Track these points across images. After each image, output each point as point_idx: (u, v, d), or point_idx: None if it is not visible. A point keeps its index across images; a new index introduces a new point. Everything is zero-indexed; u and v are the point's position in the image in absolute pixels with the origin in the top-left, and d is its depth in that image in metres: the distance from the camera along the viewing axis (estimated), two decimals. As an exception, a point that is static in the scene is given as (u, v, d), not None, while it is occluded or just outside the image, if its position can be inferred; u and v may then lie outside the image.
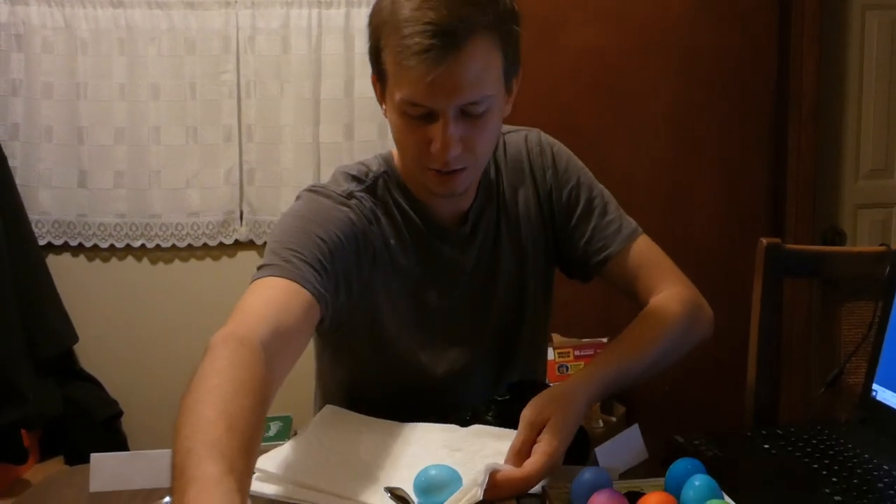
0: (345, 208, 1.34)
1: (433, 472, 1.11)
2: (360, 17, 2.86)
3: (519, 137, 1.52)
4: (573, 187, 1.49)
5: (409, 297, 1.41)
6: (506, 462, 1.15)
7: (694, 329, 1.45)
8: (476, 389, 1.44)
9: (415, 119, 1.25)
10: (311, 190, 1.38)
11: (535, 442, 1.16)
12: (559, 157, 1.51)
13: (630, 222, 1.52)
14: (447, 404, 1.40)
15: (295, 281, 1.20)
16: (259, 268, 1.25)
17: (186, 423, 0.91)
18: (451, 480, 1.10)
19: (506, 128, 1.50)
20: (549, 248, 1.52)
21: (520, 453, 1.15)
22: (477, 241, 1.45)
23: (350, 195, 1.36)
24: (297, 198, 1.38)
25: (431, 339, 1.43)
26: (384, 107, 1.32)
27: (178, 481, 0.85)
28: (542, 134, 1.53)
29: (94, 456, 1.21)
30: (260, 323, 1.12)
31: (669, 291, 1.46)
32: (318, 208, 1.33)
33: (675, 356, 1.39)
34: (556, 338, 2.57)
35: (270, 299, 1.17)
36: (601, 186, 1.53)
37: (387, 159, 1.43)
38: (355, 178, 1.40)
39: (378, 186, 1.40)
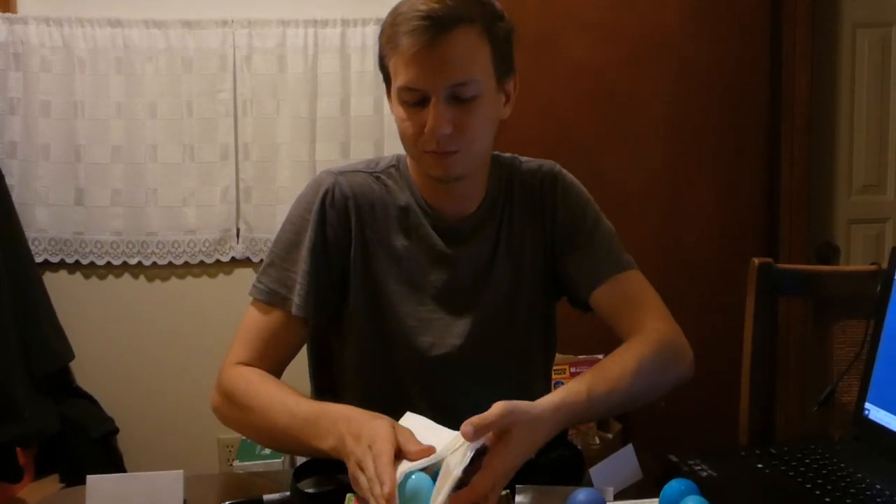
0: (335, 195, 1.47)
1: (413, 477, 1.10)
2: (356, 37, 2.88)
3: (534, 165, 1.58)
4: (577, 217, 1.54)
5: (402, 277, 1.48)
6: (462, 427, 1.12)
7: (671, 369, 1.44)
8: (462, 384, 1.47)
9: (412, 106, 1.37)
10: (315, 181, 1.51)
11: (490, 428, 1.12)
12: (569, 187, 1.57)
13: (625, 257, 1.54)
14: (436, 391, 1.46)
15: (281, 308, 1.43)
16: (260, 275, 1.47)
17: (273, 409, 1.32)
18: (426, 489, 1.10)
19: (525, 158, 1.60)
20: (549, 277, 1.56)
21: (473, 424, 1.11)
22: (473, 244, 1.51)
23: (347, 173, 1.50)
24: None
25: (419, 322, 1.48)
26: (394, 113, 1.43)
27: (314, 425, 1.25)
28: (558, 165, 1.60)
29: (90, 478, 1.21)
30: (252, 356, 1.43)
31: (651, 328, 1.45)
32: (308, 206, 1.47)
33: (650, 394, 1.38)
34: (551, 354, 2.57)
35: (262, 333, 1.44)
36: (606, 222, 1.58)
37: (399, 157, 1.55)
38: (367, 164, 1.55)
39: (383, 173, 1.52)
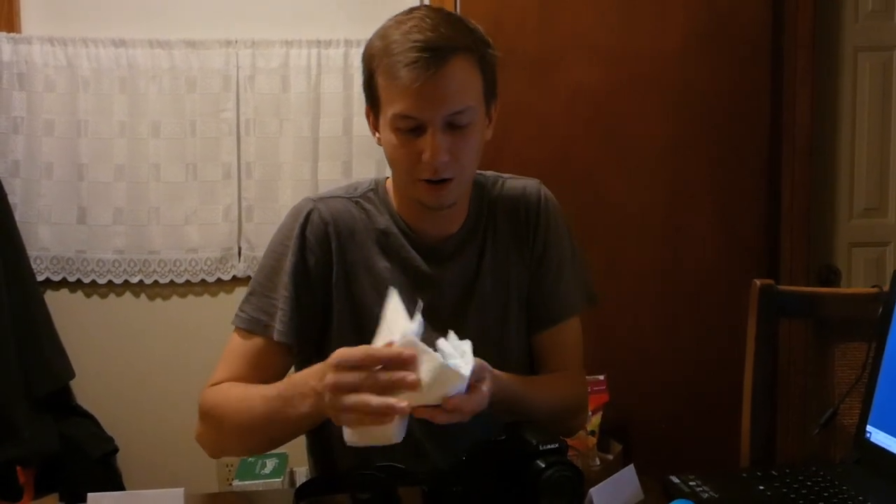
0: (314, 220, 1.48)
1: None
2: (359, 57, 2.85)
3: (519, 185, 1.59)
4: (554, 249, 1.56)
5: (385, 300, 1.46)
6: None
7: (569, 419, 1.56)
8: None
9: (406, 134, 1.37)
10: (294, 209, 1.53)
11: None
12: (553, 216, 1.58)
13: (582, 295, 1.59)
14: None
15: (262, 335, 1.44)
16: (242, 304, 1.48)
17: (241, 406, 1.36)
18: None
19: (507, 175, 1.60)
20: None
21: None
22: (456, 264, 1.51)
23: (325, 199, 1.52)
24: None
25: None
26: (377, 135, 1.44)
27: (281, 402, 1.28)
28: (543, 187, 1.60)
29: (91, 496, 1.21)
30: (232, 379, 1.43)
31: (577, 376, 1.59)
32: (288, 233, 1.49)
33: (554, 419, 1.44)
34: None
35: (244, 358, 1.44)
36: (578, 254, 1.60)
37: (377, 180, 1.56)
38: (346, 189, 1.56)
39: (362, 198, 1.53)
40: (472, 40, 1.38)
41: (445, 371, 1.14)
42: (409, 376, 1.13)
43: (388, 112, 1.37)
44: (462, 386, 1.16)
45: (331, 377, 1.16)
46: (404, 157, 1.38)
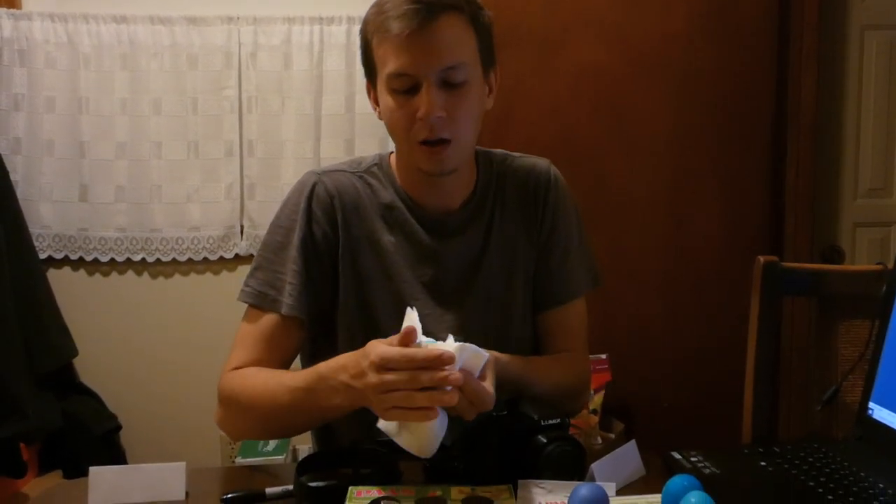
0: (320, 193, 1.48)
1: None
2: (362, 34, 2.88)
3: (528, 162, 1.58)
4: (562, 231, 1.56)
5: (389, 273, 1.48)
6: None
7: (573, 400, 1.56)
8: None
9: (402, 94, 1.37)
10: (299, 183, 1.52)
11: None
12: (562, 198, 1.57)
13: (586, 278, 1.58)
14: None
15: (272, 311, 1.43)
16: (248, 279, 1.47)
17: (266, 389, 1.35)
18: None
19: (516, 153, 1.59)
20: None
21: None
22: (461, 239, 1.50)
23: (330, 172, 1.51)
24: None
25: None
26: (377, 109, 1.44)
27: (309, 387, 1.28)
28: (553, 166, 1.59)
29: (92, 469, 1.21)
30: (248, 361, 1.42)
31: (581, 357, 1.58)
32: (294, 207, 1.48)
33: (555, 400, 1.43)
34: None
35: (257, 338, 1.43)
36: (584, 234, 1.60)
37: (381, 155, 1.55)
38: (349, 164, 1.55)
39: (366, 172, 1.52)
40: (466, 1, 1.39)
41: (467, 350, 1.19)
42: (453, 374, 1.14)
43: (384, 73, 1.37)
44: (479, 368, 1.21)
45: (374, 378, 1.16)
46: (401, 118, 1.38)
